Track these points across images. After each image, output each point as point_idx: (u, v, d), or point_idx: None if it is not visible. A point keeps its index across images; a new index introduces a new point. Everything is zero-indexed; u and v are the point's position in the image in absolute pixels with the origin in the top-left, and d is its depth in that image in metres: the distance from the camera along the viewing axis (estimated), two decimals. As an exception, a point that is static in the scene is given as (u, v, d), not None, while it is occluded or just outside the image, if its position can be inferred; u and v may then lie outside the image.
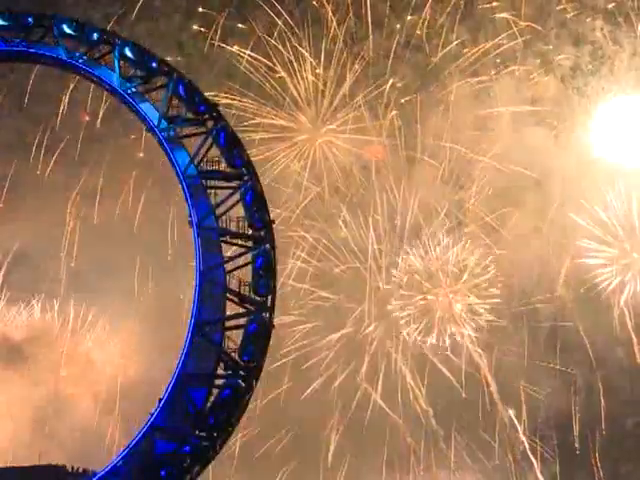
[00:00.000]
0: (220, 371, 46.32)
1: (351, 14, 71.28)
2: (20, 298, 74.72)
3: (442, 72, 70.83)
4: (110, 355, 74.40)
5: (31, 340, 74.37)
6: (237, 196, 48.91)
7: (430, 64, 70.90)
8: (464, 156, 70.00)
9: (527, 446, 67.24)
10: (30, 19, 53.89)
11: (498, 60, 69.61)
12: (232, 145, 49.61)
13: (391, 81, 71.18)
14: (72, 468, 49.33)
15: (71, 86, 71.44)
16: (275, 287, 47.59)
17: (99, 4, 73.15)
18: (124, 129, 70.80)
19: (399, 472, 68.15)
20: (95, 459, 50.14)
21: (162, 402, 45.26)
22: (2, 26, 53.88)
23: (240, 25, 72.01)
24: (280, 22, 70.82)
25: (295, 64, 71.29)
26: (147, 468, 44.80)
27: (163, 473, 44.65)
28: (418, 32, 70.72)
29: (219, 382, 46.20)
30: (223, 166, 49.57)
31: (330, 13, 71.27)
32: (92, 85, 57.55)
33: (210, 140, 49.73)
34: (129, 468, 44.67)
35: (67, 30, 52.95)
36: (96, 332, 74.19)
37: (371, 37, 71.39)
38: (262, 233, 48.46)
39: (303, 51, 71.01)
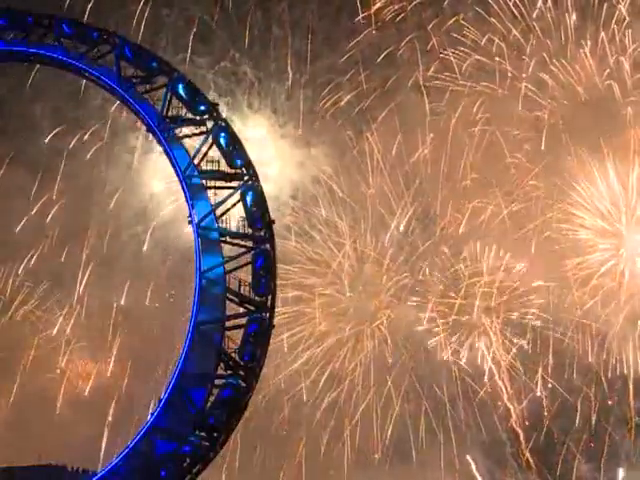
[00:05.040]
0: (220, 371, 46.28)
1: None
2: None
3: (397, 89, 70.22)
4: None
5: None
6: (237, 196, 48.90)
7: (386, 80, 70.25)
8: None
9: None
10: (30, 19, 53.95)
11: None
12: (232, 145, 49.53)
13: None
14: (72, 468, 49.28)
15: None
16: (275, 287, 47.54)
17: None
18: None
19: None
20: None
21: (162, 402, 45.28)
22: (2, 26, 53.97)
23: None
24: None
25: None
26: (147, 468, 44.78)
27: (163, 473, 44.64)
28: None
29: (219, 382, 46.15)
30: (223, 166, 49.59)
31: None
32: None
33: (210, 140, 49.71)
34: (129, 468, 44.66)
35: (67, 30, 53.02)
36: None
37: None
38: (262, 233, 48.43)
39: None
